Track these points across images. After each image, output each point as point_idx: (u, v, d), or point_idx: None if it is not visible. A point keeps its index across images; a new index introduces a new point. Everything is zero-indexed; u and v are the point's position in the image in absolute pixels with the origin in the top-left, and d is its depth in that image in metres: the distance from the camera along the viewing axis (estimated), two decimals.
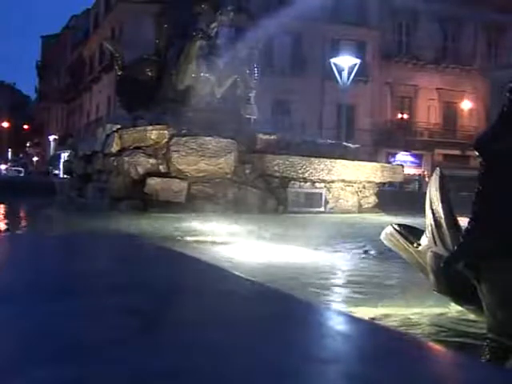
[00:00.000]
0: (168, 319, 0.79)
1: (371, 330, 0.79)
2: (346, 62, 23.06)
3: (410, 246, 2.58)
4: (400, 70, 32.23)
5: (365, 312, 2.34)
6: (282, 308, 0.89)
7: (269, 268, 3.60)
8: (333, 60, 23.60)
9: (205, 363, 0.61)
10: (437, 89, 33.10)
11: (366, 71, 29.82)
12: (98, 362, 0.60)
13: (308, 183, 9.28)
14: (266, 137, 9.48)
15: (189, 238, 5.03)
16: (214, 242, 4.90)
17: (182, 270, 1.29)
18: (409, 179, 23.06)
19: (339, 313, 0.97)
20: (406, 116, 33.47)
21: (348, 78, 22.91)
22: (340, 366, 0.62)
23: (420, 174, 28.04)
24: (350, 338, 0.73)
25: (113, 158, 8.64)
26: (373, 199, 10.03)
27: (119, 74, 10.91)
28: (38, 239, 1.92)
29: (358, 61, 23.15)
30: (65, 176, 12.93)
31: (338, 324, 0.81)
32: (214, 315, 0.82)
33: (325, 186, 9.41)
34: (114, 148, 8.67)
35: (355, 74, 23.25)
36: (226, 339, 0.69)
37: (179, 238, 4.98)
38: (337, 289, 3.09)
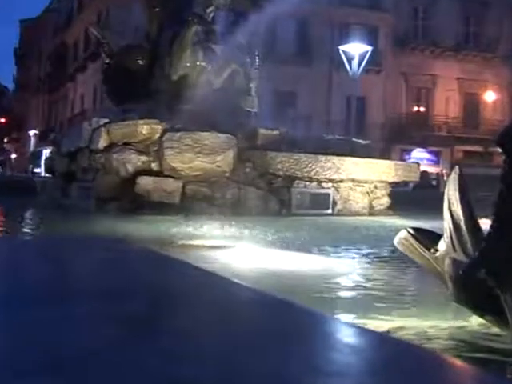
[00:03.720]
0: (159, 327, 0.80)
1: (381, 341, 0.80)
2: (356, 49, 23.08)
3: (426, 251, 2.58)
4: (416, 58, 32.23)
5: (375, 324, 2.35)
6: (285, 317, 0.90)
7: (270, 275, 3.61)
8: (342, 47, 23.62)
9: (200, 376, 0.62)
10: (457, 78, 33.10)
11: (378, 59, 29.83)
12: (82, 375, 0.61)
13: (314, 183, 9.28)
14: (269, 132, 9.49)
15: (183, 242, 5.04)
16: (210, 247, 4.92)
17: (175, 276, 1.30)
18: (425, 178, 23.08)
19: (346, 323, 0.98)
20: (422, 109, 33.49)
21: (358, 67, 22.92)
22: (347, 379, 0.62)
23: (438, 173, 28.06)
24: (358, 350, 0.74)
25: (100, 155, 8.65)
26: (385, 200, 10.03)
27: (106, 62, 10.92)
28: (16, 243, 1.93)
29: (369, 48, 23.17)
30: (47, 174, 12.96)
31: (345, 335, 0.82)
32: (210, 324, 0.83)
33: (332, 186, 9.42)
34: (101, 144, 8.68)
35: (366, 63, 23.28)
36: (223, 350, 0.70)
37: (173, 242, 4.99)
38: (344, 298, 3.10)
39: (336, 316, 2.45)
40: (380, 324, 2.37)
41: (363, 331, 0.88)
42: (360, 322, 2.33)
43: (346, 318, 2.53)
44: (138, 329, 0.79)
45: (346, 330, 0.89)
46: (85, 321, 0.81)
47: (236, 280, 1.28)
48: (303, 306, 1.02)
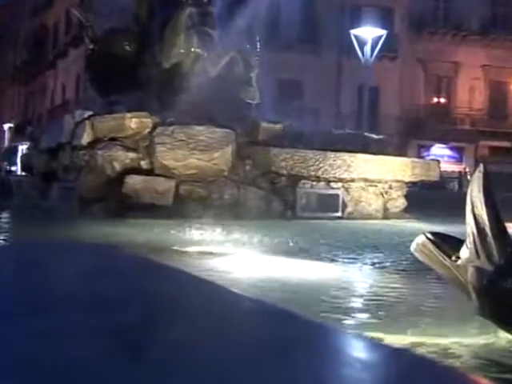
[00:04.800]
0: (152, 340, 0.82)
1: (395, 356, 0.81)
2: (368, 33, 23.10)
3: (446, 259, 2.60)
4: (435, 44, 32.21)
5: (391, 339, 2.36)
6: (289, 330, 0.91)
7: (273, 284, 3.62)
8: (353, 31, 23.63)
9: None
10: (482, 66, 33.04)
11: (393, 45, 29.83)
12: None
13: (322, 182, 9.30)
14: (271, 126, 9.51)
15: (177, 249, 5.05)
16: (208, 254, 4.93)
17: (169, 285, 1.31)
18: (446, 177, 23.11)
19: (357, 337, 1.00)
20: (442, 100, 33.49)
21: (371, 54, 22.93)
22: None
23: (460, 172, 28.07)
24: (369, 365, 0.76)
25: (83, 152, 8.68)
26: (401, 202, 10.05)
27: (90, 47, 10.94)
28: None
29: (383, 32, 23.19)
30: (23, 173, 12.97)
31: (355, 349, 0.83)
32: (207, 337, 0.85)
33: (342, 186, 9.43)
34: (85, 139, 8.70)
35: (380, 49, 23.28)
36: (220, 365, 0.72)
37: (166, 248, 5.01)
38: (356, 310, 3.12)
39: (346, 329, 2.46)
40: (396, 339, 2.38)
41: (375, 345, 0.90)
42: (373, 336, 2.34)
43: (357, 331, 2.54)
44: (129, 341, 0.81)
45: (356, 343, 0.90)
46: (70, 334, 0.83)
47: (236, 289, 1.30)
48: (310, 318, 1.03)
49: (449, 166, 28.12)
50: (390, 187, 9.90)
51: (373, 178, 9.62)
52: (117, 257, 1.64)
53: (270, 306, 1.10)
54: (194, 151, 8.43)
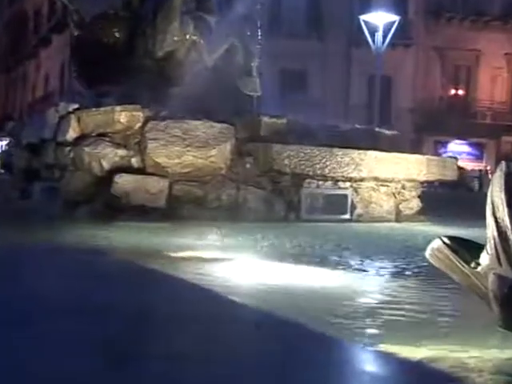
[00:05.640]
0: (145, 351, 0.83)
1: (411, 371, 0.82)
2: (380, 19, 23.11)
3: (465, 265, 2.61)
4: (453, 30, 32.24)
5: (405, 353, 2.36)
6: (295, 342, 0.92)
7: (277, 293, 3.62)
8: (363, 17, 23.65)
9: None
10: (505, 54, 33.07)
11: (407, 32, 29.88)
12: None
13: (328, 182, 9.31)
14: (273, 120, 9.51)
15: (172, 254, 5.06)
16: (204, 260, 4.95)
17: (165, 293, 1.32)
18: (465, 176, 23.11)
19: (367, 350, 1.01)
20: (461, 91, 33.53)
21: (383, 41, 22.96)
22: None
23: (481, 170, 28.10)
24: (383, 380, 0.77)
25: (68, 149, 8.68)
26: (415, 203, 10.05)
27: (76, 34, 10.94)
28: None
29: (396, 18, 23.20)
30: (2, 171, 12.98)
31: (365, 362, 0.85)
32: (205, 349, 0.86)
33: (351, 186, 9.44)
34: (71, 135, 8.71)
35: (393, 36, 23.31)
36: (220, 379, 0.73)
37: (159, 253, 5.02)
38: (366, 321, 3.12)
39: (356, 341, 2.47)
40: (410, 352, 2.39)
41: (388, 358, 0.91)
42: (385, 349, 2.34)
43: (368, 344, 2.55)
44: (120, 353, 0.82)
45: (368, 356, 0.92)
46: (58, 344, 0.84)
47: (236, 299, 1.32)
48: (316, 330, 1.05)
49: (468, 164, 28.13)
50: (403, 187, 9.91)
51: (384, 177, 9.63)
52: (109, 264, 1.65)
53: (275, 316, 1.11)
54: (189, 148, 8.44)
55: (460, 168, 17.76)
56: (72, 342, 0.87)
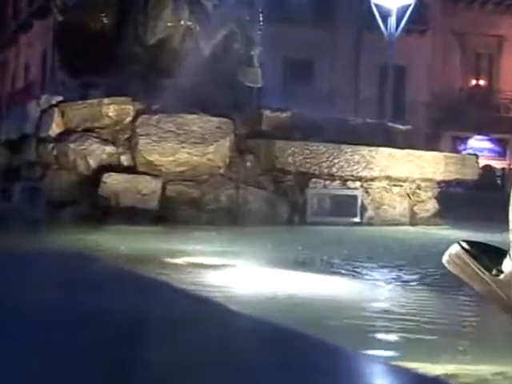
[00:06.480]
0: (138, 367, 0.85)
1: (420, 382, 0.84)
2: (393, 2, 23.12)
3: (486, 272, 2.62)
4: (474, 14, 32.19)
5: (421, 367, 2.38)
6: (301, 355, 0.94)
7: (280, 302, 3.66)
8: (374, 0, 23.65)
9: None
10: None
11: (423, 16, 29.86)
12: None
13: (337, 182, 9.33)
14: (276, 114, 9.53)
15: (167, 261, 5.09)
16: (202, 267, 4.98)
17: (160, 302, 1.34)
18: (486, 175, 23.10)
19: (379, 363, 1.03)
20: (482, 82, 33.48)
21: (397, 27, 22.97)
22: None
23: (504, 168, 28.07)
24: None
25: (51, 145, 8.71)
26: (432, 205, 10.07)
27: (59, 19, 10.96)
28: None
29: (411, 1, 23.21)
30: None
31: (377, 376, 0.87)
32: (205, 365, 0.88)
33: (361, 186, 9.45)
34: (54, 130, 8.73)
35: (407, 21, 23.32)
36: None
37: (154, 259, 5.05)
38: (378, 334, 3.14)
39: (369, 355, 2.48)
40: (427, 367, 2.41)
41: (404, 374, 0.93)
42: (401, 364, 2.36)
43: (382, 358, 2.57)
44: (111, 369, 0.84)
45: (380, 371, 0.94)
46: (43, 356, 0.86)
47: (236, 308, 1.34)
48: (326, 341, 1.07)
49: (490, 162, 28.10)
50: (419, 187, 9.92)
51: (398, 177, 9.64)
52: (101, 270, 1.67)
53: (278, 327, 1.13)
54: (184, 144, 8.46)
55: (486, 166, 17.74)
56: (58, 354, 0.89)
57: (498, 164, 29.82)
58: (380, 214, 9.54)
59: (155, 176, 8.43)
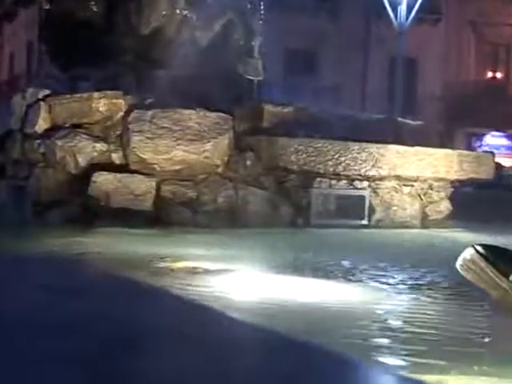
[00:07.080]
0: (131, 378, 0.86)
1: None
2: None
3: (502, 278, 2.63)
4: (491, 2, 32.17)
5: (432, 379, 2.39)
6: (305, 365, 0.95)
7: (283, 309, 3.66)
8: None
9: None
10: None
11: (435, 5, 29.87)
12: None
13: (343, 181, 9.33)
14: (278, 109, 9.54)
15: (162, 265, 5.09)
16: (200, 272, 4.99)
17: (154, 309, 1.35)
18: (503, 175, 23.08)
19: (387, 373, 1.04)
20: (499, 74, 33.45)
21: (407, 17, 22.97)
22: None
23: None
24: None
25: (38, 142, 8.71)
26: (444, 206, 10.06)
27: (46, 7, 10.97)
28: None
29: None
30: None
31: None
32: (202, 376, 0.88)
33: (369, 186, 9.45)
34: (41, 126, 8.74)
35: (419, 10, 23.32)
36: None
37: (148, 264, 5.05)
38: (389, 343, 3.15)
39: (379, 365, 2.49)
40: (438, 379, 2.42)
41: (408, 380, 0.94)
42: (411, 375, 2.37)
43: (392, 368, 2.58)
44: (103, 380, 0.85)
45: (390, 382, 0.94)
46: (33, 366, 0.87)
47: (236, 316, 1.34)
48: (331, 350, 1.07)
49: (507, 160, 28.09)
50: (431, 187, 9.92)
51: (408, 176, 9.64)
52: (91, 275, 1.68)
53: (280, 336, 1.13)
54: (179, 141, 8.46)
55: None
56: (44, 362, 0.90)
57: None
58: (389, 216, 9.53)
59: (149, 175, 8.43)
